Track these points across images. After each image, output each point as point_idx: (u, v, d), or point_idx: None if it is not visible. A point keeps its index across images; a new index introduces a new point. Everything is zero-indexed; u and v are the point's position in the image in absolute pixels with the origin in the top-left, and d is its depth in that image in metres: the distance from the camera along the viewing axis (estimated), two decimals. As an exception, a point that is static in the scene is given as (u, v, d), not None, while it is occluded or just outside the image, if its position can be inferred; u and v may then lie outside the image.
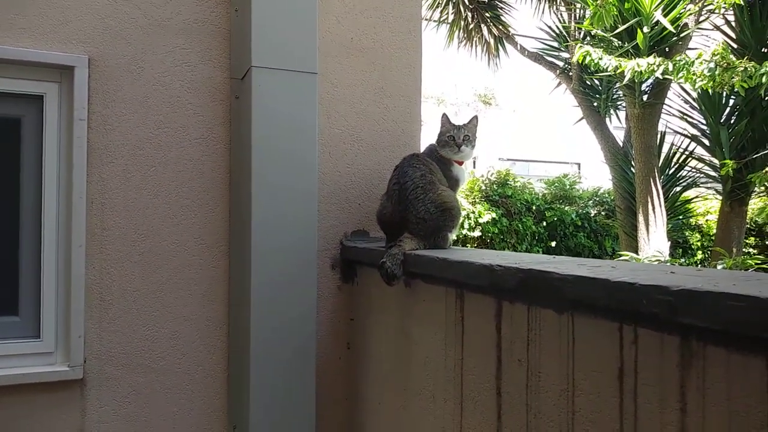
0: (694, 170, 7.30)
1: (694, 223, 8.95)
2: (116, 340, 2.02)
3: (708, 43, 6.77)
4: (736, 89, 5.30)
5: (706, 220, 8.93)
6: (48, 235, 1.98)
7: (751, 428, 0.82)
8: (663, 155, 7.18)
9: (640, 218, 6.55)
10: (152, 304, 2.06)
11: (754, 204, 7.74)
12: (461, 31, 8.82)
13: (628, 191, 7.19)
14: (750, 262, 5.64)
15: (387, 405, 1.97)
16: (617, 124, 8.32)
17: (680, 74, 5.43)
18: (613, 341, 1.05)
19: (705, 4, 6.06)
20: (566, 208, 8.68)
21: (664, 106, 6.86)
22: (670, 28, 5.84)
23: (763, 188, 6.48)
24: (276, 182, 1.96)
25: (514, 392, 1.31)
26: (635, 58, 5.77)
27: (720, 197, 6.91)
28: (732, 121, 6.52)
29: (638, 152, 6.62)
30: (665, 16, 5.90)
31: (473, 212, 7.83)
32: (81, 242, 1.96)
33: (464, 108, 12.95)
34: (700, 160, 7.08)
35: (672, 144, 7.31)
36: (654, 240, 6.43)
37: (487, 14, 8.63)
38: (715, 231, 7.31)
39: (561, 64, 8.35)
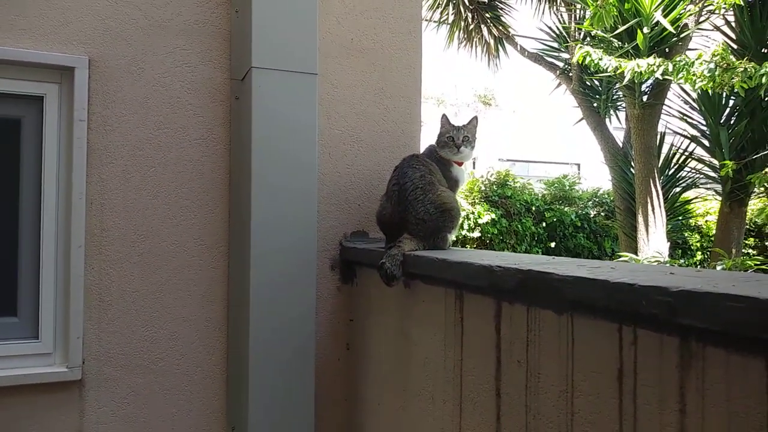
0: (693, 171, 7.30)
1: (693, 224, 8.96)
2: (115, 341, 2.02)
3: (708, 43, 6.77)
4: (735, 90, 5.30)
5: (706, 221, 8.94)
6: (47, 235, 1.98)
7: (750, 429, 0.82)
8: (663, 156, 7.18)
9: (640, 219, 6.55)
10: (151, 304, 2.06)
11: (754, 205, 7.74)
12: (461, 31, 8.82)
13: (628, 192, 7.19)
14: (749, 263, 5.64)
15: (386, 406, 1.97)
16: (617, 125, 8.31)
17: (680, 75, 5.43)
18: (612, 342, 1.05)
19: (705, 4, 6.06)
20: (566, 209, 8.69)
21: (664, 107, 6.86)
22: (670, 28, 5.85)
23: (762, 189, 6.48)
24: (276, 183, 1.96)
25: (513, 393, 1.31)
26: (635, 58, 5.78)
27: (719, 198, 6.91)
28: (732, 122, 6.53)
29: (638, 153, 6.62)
30: (665, 16, 5.90)
31: (473, 213, 7.83)
32: (80, 243, 1.96)
33: (464, 109, 12.95)
34: (700, 160, 7.08)
35: (672, 145, 7.31)
36: (653, 241, 6.43)
37: (487, 15, 8.64)
38: (714, 232, 7.31)
39: (561, 64, 8.35)
